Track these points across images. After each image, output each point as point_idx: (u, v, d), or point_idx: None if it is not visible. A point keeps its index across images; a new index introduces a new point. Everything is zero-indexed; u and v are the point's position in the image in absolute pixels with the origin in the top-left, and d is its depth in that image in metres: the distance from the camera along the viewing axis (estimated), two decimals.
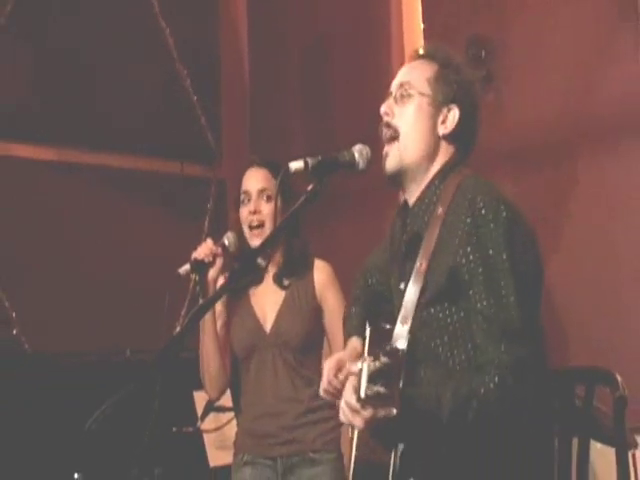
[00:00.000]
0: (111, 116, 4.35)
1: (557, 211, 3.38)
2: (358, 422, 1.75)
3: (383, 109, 2.08)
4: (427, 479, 1.86)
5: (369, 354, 1.71)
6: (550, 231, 3.23)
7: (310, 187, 2.02)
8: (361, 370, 1.64)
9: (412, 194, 2.06)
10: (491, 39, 3.68)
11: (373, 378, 1.63)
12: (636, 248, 3.20)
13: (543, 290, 1.95)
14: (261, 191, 2.87)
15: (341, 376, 2.07)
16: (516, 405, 1.80)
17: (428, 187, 2.03)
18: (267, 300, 2.91)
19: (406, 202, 2.11)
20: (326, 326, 2.87)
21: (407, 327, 1.92)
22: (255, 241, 2.83)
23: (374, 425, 1.73)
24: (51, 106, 4.23)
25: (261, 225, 2.84)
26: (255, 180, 2.89)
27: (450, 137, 2.04)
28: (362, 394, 1.63)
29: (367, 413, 1.70)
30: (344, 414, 1.80)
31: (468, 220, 1.88)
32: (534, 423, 1.88)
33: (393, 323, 2.00)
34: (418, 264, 1.94)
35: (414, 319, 1.92)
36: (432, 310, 1.92)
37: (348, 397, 1.76)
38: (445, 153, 2.05)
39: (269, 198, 2.85)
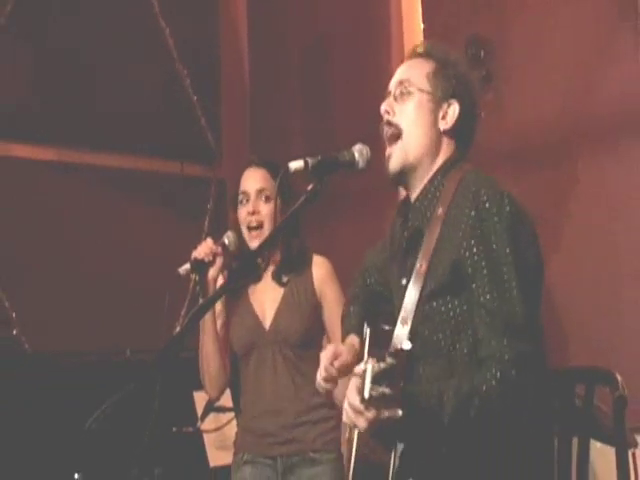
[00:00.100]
0: (111, 116, 4.35)
1: (557, 211, 3.38)
2: (362, 423, 1.74)
3: (383, 107, 2.08)
4: (427, 478, 1.86)
5: (369, 355, 1.70)
6: (550, 231, 3.23)
7: (310, 187, 2.03)
8: (365, 371, 1.63)
9: (414, 190, 2.07)
10: (491, 39, 3.68)
11: (377, 379, 1.62)
12: (636, 248, 3.20)
13: (543, 289, 1.95)
14: (260, 191, 2.86)
15: (337, 364, 2.07)
16: (518, 400, 1.80)
17: (430, 182, 2.03)
18: (266, 297, 2.91)
19: (407, 198, 2.12)
20: (325, 321, 2.87)
21: (407, 328, 1.92)
22: (254, 242, 2.83)
23: (378, 426, 1.72)
24: (51, 106, 4.23)
25: (260, 226, 2.83)
26: (253, 180, 2.88)
27: (451, 132, 2.05)
28: (366, 395, 1.63)
29: (371, 414, 1.70)
30: (347, 415, 1.79)
31: (472, 213, 1.89)
32: (534, 422, 1.88)
33: (392, 323, 2.00)
34: (418, 265, 1.95)
35: (415, 314, 1.93)
36: (434, 304, 1.92)
37: (352, 398, 1.75)
38: (446, 149, 2.06)
39: (267, 198, 2.85)
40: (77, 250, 4.18)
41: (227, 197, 3.04)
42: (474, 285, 1.87)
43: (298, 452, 2.78)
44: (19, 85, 4.16)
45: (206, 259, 2.77)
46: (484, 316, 1.85)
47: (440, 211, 1.96)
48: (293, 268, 2.89)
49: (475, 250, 1.87)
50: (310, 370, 2.82)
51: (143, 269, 4.20)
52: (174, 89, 4.67)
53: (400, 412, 1.66)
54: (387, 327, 2.00)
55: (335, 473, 2.75)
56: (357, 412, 1.73)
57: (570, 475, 2.21)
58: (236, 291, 2.93)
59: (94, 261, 4.16)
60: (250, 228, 2.84)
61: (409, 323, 1.93)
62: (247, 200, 2.87)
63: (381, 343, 1.96)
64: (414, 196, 2.06)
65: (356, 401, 1.71)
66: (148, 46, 4.55)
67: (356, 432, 1.95)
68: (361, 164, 2.06)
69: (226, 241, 2.82)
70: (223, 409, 3.13)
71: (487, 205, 1.88)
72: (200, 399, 3.21)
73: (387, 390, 1.62)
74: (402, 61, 2.17)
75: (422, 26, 4.02)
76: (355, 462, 1.97)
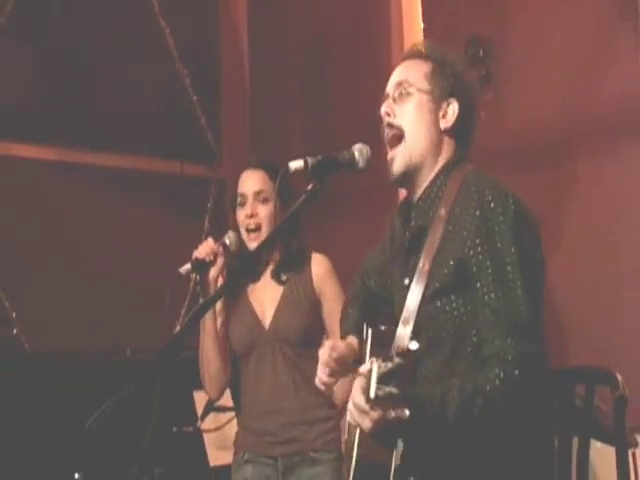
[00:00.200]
0: (111, 116, 4.35)
1: (557, 211, 3.38)
2: (367, 423, 1.73)
3: (383, 110, 2.08)
4: (429, 476, 1.86)
5: (371, 355, 1.70)
6: (550, 231, 3.23)
7: (310, 187, 2.02)
8: (370, 371, 1.62)
9: (417, 190, 2.07)
10: (491, 39, 3.68)
11: (383, 379, 1.61)
12: (636, 248, 3.20)
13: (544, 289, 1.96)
14: (257, 193, 2.86)
15: (335, 354, 2.06)
16: (521, 400, 1.81)
17: (433, 182, 2.04)
18: (265, 296, 2.91)
19: (408, 199, 2.12)
20: (325, 319, 2.87)
21: (410, 328, 1.92)
22: (252, 244, 2.83)
23: (383, 426, 1.71)
24: (51, 106, 4.24)
25: (258, 229, 2.83)
26: (251, 182, 2.88)
27: (451, 131, 2.05)
28: (372, 395, 1.61)
29: (376, 414, 1.69)
30: (352, 415, 1.78)
31: (477, 213, 1.89)
32: (535, 422, 1.88)
33: (392, 324, 2.00)
34: (421, 264, 1.95)
35: (418, 313, 1.93)
36: (438, 303, 1.92)
37: (356, 398, 1.74)
38: (447, 148, 2.06)
39: (265, 200, 2.85)
40: (77, 250, 4.18)
41: (227, 197, 3.04)
42: (478, 284, 1.87)
43: (298, 452, 2.78)
44: (19, 85, 4.16)
45: (207, 259, 2.78)
46: (488, 315, 1.85)
47: (443, 212, 1.96)
48: (292, 267, 2.89)
49: (480, 249, 1.87)
50: (310, 369, 2.81)
51: (143, 269, 4.21)
52: (174, 89, 4.67)
53: (407, 412, 1.65)
54: (383, 327, 2.00)
55: (335, 473, 2.75)
56: (362, 412, 1.72)
57: (570, 475, 2.21)
58: (235, 290, 2.93)
59: (94, 261, 4.17)
60: (248, 231, 2.84)
61: (411, 323, 1.92)
62: (245, 203, 2.87)
63: (382, 343, 1.96)
64: (417, 196, 2.06)
65: (361, 401, 1.70)
66: (148, 46, 4.55)
67: (357, 432, 1.94)
68: (361, 164, 2.06)
69: (227, 241, 2.82)
70: (223, 409, 3.13)
71: (492, 205, 1.89)
72: (200, 399, 3.21)
73: (395, 390, 1.61)
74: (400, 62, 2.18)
75: (422, 26, 4.03)
76: (356, 462, 1.96)
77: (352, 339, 2.19)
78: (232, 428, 3.06)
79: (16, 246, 3.98)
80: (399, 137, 2.04)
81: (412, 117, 2.04)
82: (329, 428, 2.79)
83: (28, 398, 3.47)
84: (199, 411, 3.16)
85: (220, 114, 4.91)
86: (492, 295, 1.85)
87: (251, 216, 2.84)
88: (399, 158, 2.04)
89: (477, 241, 1.88)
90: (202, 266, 2.78)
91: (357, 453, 1.96)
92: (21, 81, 4.18)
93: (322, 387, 2.14)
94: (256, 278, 2.93)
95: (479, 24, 3.74)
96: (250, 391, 2.88)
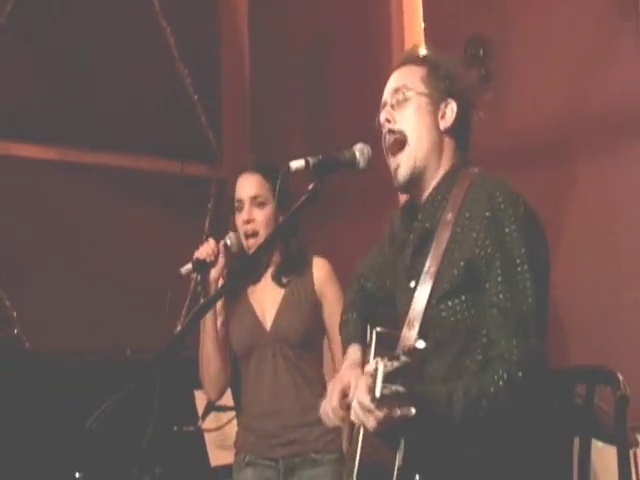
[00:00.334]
0: (111, 116, 4.35)
1: (557, 211, 3.38)
2: (371, 422, 1.73)
3: (383, 117, 2.09)
4: (433, 475, 1.86)
5: (376, 357, 1.69)
6: (550, 231, 3.22)
7: (311, 186, 2.02)
8: (376, 370, 1.62)
9: (423, 193, 2.07)
10: (491, 39, 3.68)
11: (389, 378, 1.61)
12: (636, 248, 3.19)
13: None
14: (253, 198, 2.86)
15: (344, 404, 2.06)
16: (524, 400, 1.81)
17: (440, 185, 2.04)
18: (266, 298, 2.91)
19: (412, 201, 2.12)
20: (326, 321, 2.87)
21: (415, 330, 1.92)
22: (251, 249, 2.83)
23: (388, 425, 1.71)
24: (51, 106, 4.24)
25: (255, 234, 2.83)
26: (248, 187, 2.88)
27: (451, 131, 2.07)
28: (377, 394, 1.61)
29: (382, 413, 1.69)
30: (356, 414, 1.78)
31: (487, 214, 1.90)
32: (536, 422, 1.88)
33: (392, 327, 2.00)
34: (427, 267, 1.95)
35: (425, 315, 1.93)
36: (449, 303, 1.92)
37: (361, 397, 1.74)
38: (449, 148, 2.07)
39: (262, 204, 2.85)
40: (77, 250, 4.18)
41: (227, 197, 3.04)
42: (487, 285, 1.88)
43: (300, 453, 2.78)
44: (19, 85, 4.16)
45: (208, 259, 2.78)
46: (496, 316, 1.86)
47: (450, 216, 1.97)
48: (293, 269, 2.89)
49: (490, 250, 1.88)
50: (310, 370, 2.83)
51: (143, 269, 4.20)
52: (174, 88, 4.67)
53: (413, 411, 1.64)
54: (384, 329, 2.00)
55: (336, 474, 2.75)
56: (367, 411, 1.72)
57: (571, 475, 2.22)
58: (235, 291, 2.93)
59: (94, 261, 4.17)
60: (246, 236, 2.84)
61: (417, 325, 1.93)
62: (242, 208, 2.87)
63: (386, 346, 1.96)
64: (423, 198, 2.07)
65: (366, 400, 1.70)
66: (148, 45, 4.55)
67: (361, 431, 1.94)
68: (362, 164, 2.07)
69: (228, 242, 2.83)
70: (224, 408, 3.13)
71: (502, 206, 1.90)
72: (201, 398, 3.21)
73: (401, 388, 1.61)
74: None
75: (422, 25, 4.03)
76: (359, 461, 1.96)
77: (356, 351, 2.18)
78: (233, 428, 3.06)
79: (16, 246, 3.98)
80: (402, 142, 2.05)
81: (413, 120, 2.05)
82: (330, 428, 2.78)
83: (28, 398, 3.47)
84: (200, 411, 3.17)
85: (220, 113, 4.91)
86: (500, 296, 1.86)
87: (248, 222, 2.84)
88: (404, 163, 2.04)
89: (487, 242, 1.89)
90: (203, 266, 2.78)
91: (360, 453, 1.95)
92: (21, 81, 4.18)
93: (330, 425, 2.13)
94: (257, 280, 2.93)
95: (479, 24, 3.73)
96: (250, 392, 2.88)
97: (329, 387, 2.13)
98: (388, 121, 2.07)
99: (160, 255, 3.94)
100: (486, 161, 2.12)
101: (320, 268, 2.90)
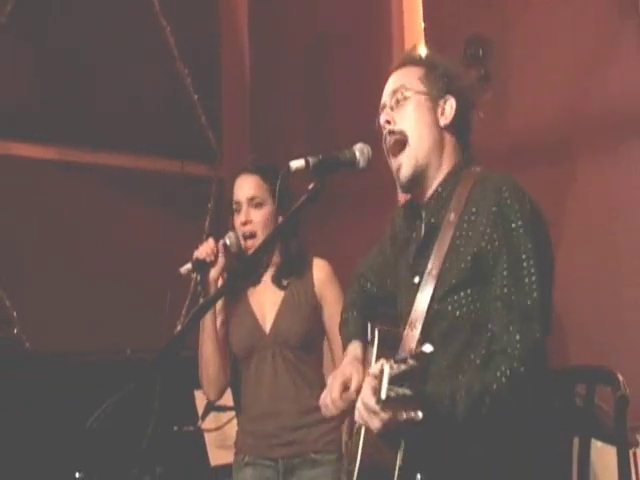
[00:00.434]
0: (111, 115, 4.35)
1: (557, 211, 3.38)
2: (376, 424, 1.73)
3: (383, 119, 2.09)
4: (434, 475, 1.87)
5: (378, 357, 1.69)
6: (550, 231, 3.23)
7: (311, 186, 2.02)
8: (382, 372, 1.62)
9: (425, 192, 2.07)
10: (489, 38, 3.68)
11: (395, 380, 1.61)
12: (636, 248, 3.20)
13: None
14: (251, 200, 2.85)
15: (345, 397, 2.06)
16: (525, 393, 1.82)
17: (444, 182, 2.04)
18: (266, 300, 2.90)
19: (413, 200, 2.12)
20: (326, 323, 2.87)
21: (419, 327, 1.92)
22: (250, 250, 2.83)
23: (394, 427, 1.71)
24: (51, 106, 4.24)
25: (253, 235, 2.83)
26: (244, 188, 2.87)
27: (451, 127, 2.07)
28: (383, 396, 1.61)
29: (386, 415, 1.69)
30: (360, 415, 1.79)
31: (494, 209, 1.91)
32: (536, 422, 1.88)
33: (393, 326, 2.00)
34: (432, 263, 1.96)
35: (428, 313, 1.93)
36: (455, 297, 1.92)
37: (366, 398, 1.74)
38: (449, 144, 2.08)
39: (259, 205, 2.85)
40: (77, 250, 4.18)
41: (226, 198, 3.04)
42: (493, 279, 1.89)
43: (299, 453, 2.78)
44: (19, 85, 4.16)
45: (207, 259, 2.78)
46: (500, 309, 1.87)
47: (453, 215, 1.98)
48: (293, 271, 2.88)
49: (497, 244, 1.89)
50: (310, 372, 2.83)
51: (143, 269, 4.21)
52: (175, 88, 4.67)
53: (421, 414, 1.65)
54: (381, 327, 2.00)
55: (336, 474, 2.75)
56: (372, 412, 1.73)
57: (571, 474, 2.22)
58: (235, 292, 2.92)
59: (94, 261, 4.17)
60: (244, 238, 2.84)
61: (420, 325, 1.93)
62: (240, 209, 2.86)
63: (388, 345, 1.96)
64: (426, 196, 2.07)
65: (371, 401, 1.70)
66: (148, 45, 4.55)
67: (362, 431, 1.93)
68: (362, 163, 2.07)
69: (227, 241, 2.82)
70: (224, 408, 3.13)
71: (509, 202, 1.91)
72: (201, 398, 3.21)
73: (408, 392, 1.61)
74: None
75: (422, 25, 4.03)
76: (360, 461, 1.96)
77: (356, 348, 2.18)
78: (233, 427, 3.06)
79: (16, 246, 3.98)
80: (402, 142, 2.05)
81: (413, 119, 2.06)
82: (330, 429, 2.78)
83: (28, 398, 3.47)
84: (200, 410, 3.17)
85: (220, 113, 4.91)
86: (505, 290, 1.87)
87: (245, 223, 2.84)
88: (406, 163, 2.04)
89: (495, 236, 1.90)
90: (203, 266, 2.78)
91: (362, 452, 1.95)
92: (21, 81, 4.18)
93: (328, 415, 2.13)
94: (256, 281, 2.92)
95: (479, 24, 3.73)
96: (250, 393, 2.88)
97: (329, 379, 2.13)
98: (388, 122, 2.08)
99: (160, 255, 3.94)
100: (486, 161, 2.12)
101: (320, 269, 2.90)
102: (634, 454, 2.71)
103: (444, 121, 2.07)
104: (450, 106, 2.07)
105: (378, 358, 1.90)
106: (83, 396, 2.62)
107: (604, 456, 2.43)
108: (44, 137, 4.22)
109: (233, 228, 2.90)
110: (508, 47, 3.63)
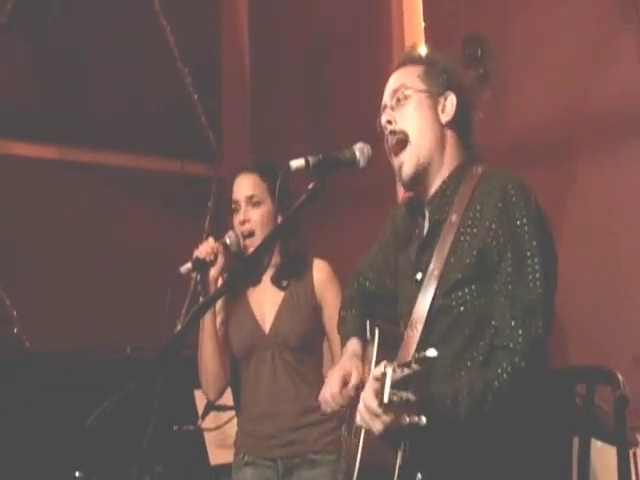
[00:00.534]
0: (111, 115, 4.35)
1: (557, 211, 3.38)
2: (378, 426, 1.73)
3: (384, 119, 2.09)
4: (434, 474, 1.87)
5: (378, 356, 1.68)
6: None
7: (311, 186, 2.02)
8: (384, 375, 1.62)
9: (428, 190, 2.07)
10: (488, 38, 3.69)
11: (398, 384, 1.61)
12: (636, 248, 3.20)
13: None
14: (249, 198, 2.85)
15: (344, 392, 2.07)
16: (527, 388, 1.83)
17: (447, 180, 2.04)
18: (266, 300, 2.90)
19: (415, 198, 2.12)
20: (326, 325, 2.86)
21: (419, 331, 1.92)
22: (249, 249, 2.83)
23: (396, 430, 1.71)
24: (51, 105, 4.24)
25: (251, 234, 2.82)
26: (243, 188, 2.87)
27: (452, 124, 2.07)
28: (385, 399, 1.61)
29: (389, 418, 1.69)
30: (362, 417, 1.79)
31: (499, 205, 1.92)
32: (536, 421, 1.88)
33: (391, 324, 2.00)
34: (435, 260, 1.96)
35: (430, 310, 1.93)
36: (459, 293, 1.92)
37: (369, 400, 1.74)
38: (451, 141, 2.07)
39: (257, 204, 2.84)
40: (77, 249, 4.18)
41: (226, 197, 3.04)
42: (498, 275, 1.89)
43: (299, 454, 2.77)
44: (19, 84, 4.16)
45: (207, 258, 2.77)
46: (503, 304, 1.87)
47: (457, 213, 1.98)
48: (293, 271, 2.88)
49: (502, 240, 1.90)
50: (310, 373, 2.82)
51: (143, 268, 4.21)
52: (175, 88, 4.68)
53: (424, 420, 1.65)
54: (381, 325, 2.00)
55: (335, 475, 2.74)
56: (374, 415, 1.73)
57: (571, 474, 2.22)
58: (235, 292, 2.92)
59: (94, 260, 4.17)
60: (243, 237, 2.84)
61: (422, 322, 1.93)
62: (239, 209, 2.86)
63: (388, 344, 1.95)
64: (429, 194, 2.07)
65: (373, 404, 1.70)
66: (148, 45, 4.56)
67: (362, 432, 1.93)
68: (362, 163, 2.07)
69: (227, 241, 2.82)
70: (224, 408, 3.13)
71: (514, 199, 1.92)
72: (201, 397, 3.20)
73: (412, 396, 1.61)
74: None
75: (423, 25, 4.03)
76: (360, 462, 1.95)
77: (355, 345, 2.17)
78: (233, 427, 3.06)
79: (16, 246, 3.98)
80: (404, 142, 2.05)
81: (414, 118, 2.06)
82: (329, 429, 2.78)
83: (28, 397, 3.47)
84: (200, 409, 3.17)
85: (220, 113, 4.91)
86: (509, 286, 1.87)
87: (243, 222, 2.84)
88: (407, 162, 2.04)
89: (500, 232, 1.90)
90: (203, 266, 2.77)
91: (362, 453, 1.95)
92: (21, 81, 4.18)
93: (327, 411, 2.13)
94: (256, 281, 2.92)
95: (479, 24, 3.74)
96: (249, 394, 2.88)
97: (328, 375, 2.13)
98: (389, 122, 2.08)
99: (160, 255, 3.94)
100: (486, 161, 2.12)
101: (320, 270, 2.89)
102: (634, 454, 2.72)
103: (445, 118, 2.06)
104: (451, 102, 2.06)
105: (378, 357, 1.89)
106: (83, 396, 2.62)
107: (604, 456, 2.43)
108: (44, 137, 4.22)
109: (233, 228, 2.89)
110: (508, 47, 3.64)
